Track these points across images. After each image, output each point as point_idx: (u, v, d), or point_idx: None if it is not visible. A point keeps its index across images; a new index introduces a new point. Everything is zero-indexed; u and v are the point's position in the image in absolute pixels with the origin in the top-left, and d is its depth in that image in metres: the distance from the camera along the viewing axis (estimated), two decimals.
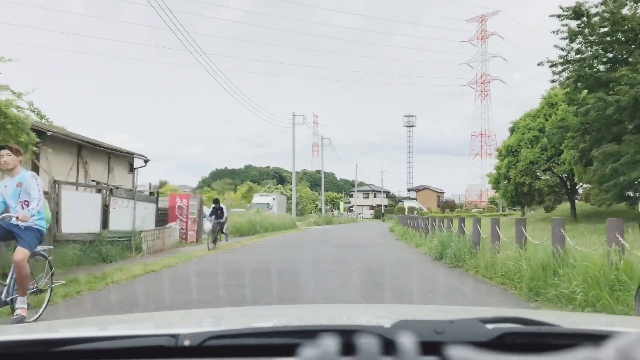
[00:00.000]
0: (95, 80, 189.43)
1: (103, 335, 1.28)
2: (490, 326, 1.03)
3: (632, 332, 0.83)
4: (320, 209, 63.22)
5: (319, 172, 74.54)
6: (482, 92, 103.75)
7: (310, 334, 0.98)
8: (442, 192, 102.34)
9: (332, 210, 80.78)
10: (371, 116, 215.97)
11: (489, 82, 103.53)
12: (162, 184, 54.37)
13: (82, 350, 1.08)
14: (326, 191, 73.41)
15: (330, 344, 0.67)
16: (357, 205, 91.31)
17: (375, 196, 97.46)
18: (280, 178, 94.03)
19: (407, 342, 0.70)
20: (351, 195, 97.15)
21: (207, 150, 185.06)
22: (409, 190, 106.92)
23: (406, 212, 78.99)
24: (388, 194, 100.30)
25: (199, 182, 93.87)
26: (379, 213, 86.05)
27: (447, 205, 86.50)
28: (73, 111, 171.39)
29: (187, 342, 1.04)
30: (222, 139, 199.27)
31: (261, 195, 47.91)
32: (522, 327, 1.09)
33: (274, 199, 45.43)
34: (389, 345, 0.81)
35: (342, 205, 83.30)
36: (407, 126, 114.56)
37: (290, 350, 0.97)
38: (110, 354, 1.07)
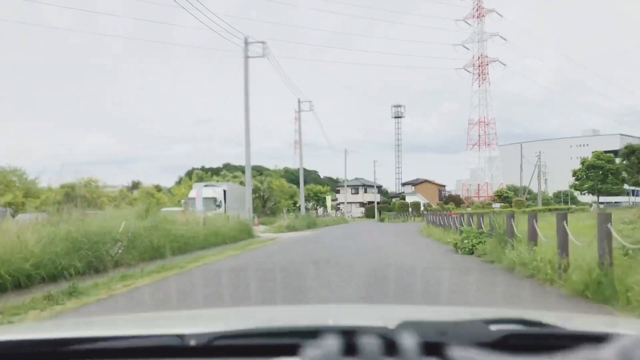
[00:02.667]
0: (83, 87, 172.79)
1: (109, 335, 1.25)
2: (493, 327, 1.03)
3: (633, 334, 0.83)
4: (299, 207, 44.77)
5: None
6: (479, 75, 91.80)
7: (314, 334, 0.99)
8: (444, 186, 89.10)
9: (315, 209, 65.73)
10: (354, 113, 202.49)
11: (487, 64, 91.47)
12: (135, 184, 48.79)
13: (89, 349, 1.09)
14: (307, 184, 57.83)
15: (333, 344, 0.68)
16: (347, 202, 76.49)
17: (365, 191, 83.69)
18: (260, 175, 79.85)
19: (409, 342, 0.70)
20: (338, 192, 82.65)
21: (188, 151, 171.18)
22: (403, 184, 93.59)
23: (410, 209, 65.22)
24: (380, 189, 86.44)
25: (176, 182, 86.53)
26: (370, 211, 72.09)
27: (452, 200, 73.83)
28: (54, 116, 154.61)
29: (192, 342, 1.06)
30: (204, 139, 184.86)
31: (205, 186, 30.41)
32: (525, 329, 1.10)
33: (224, 190, 29.28)
34: (391, 346, 0.81)
35: (329, 200, 66.79)
36: (395, 117, 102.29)
37: (294, 350, 0.98)
38: (116, 354, 1.08)
